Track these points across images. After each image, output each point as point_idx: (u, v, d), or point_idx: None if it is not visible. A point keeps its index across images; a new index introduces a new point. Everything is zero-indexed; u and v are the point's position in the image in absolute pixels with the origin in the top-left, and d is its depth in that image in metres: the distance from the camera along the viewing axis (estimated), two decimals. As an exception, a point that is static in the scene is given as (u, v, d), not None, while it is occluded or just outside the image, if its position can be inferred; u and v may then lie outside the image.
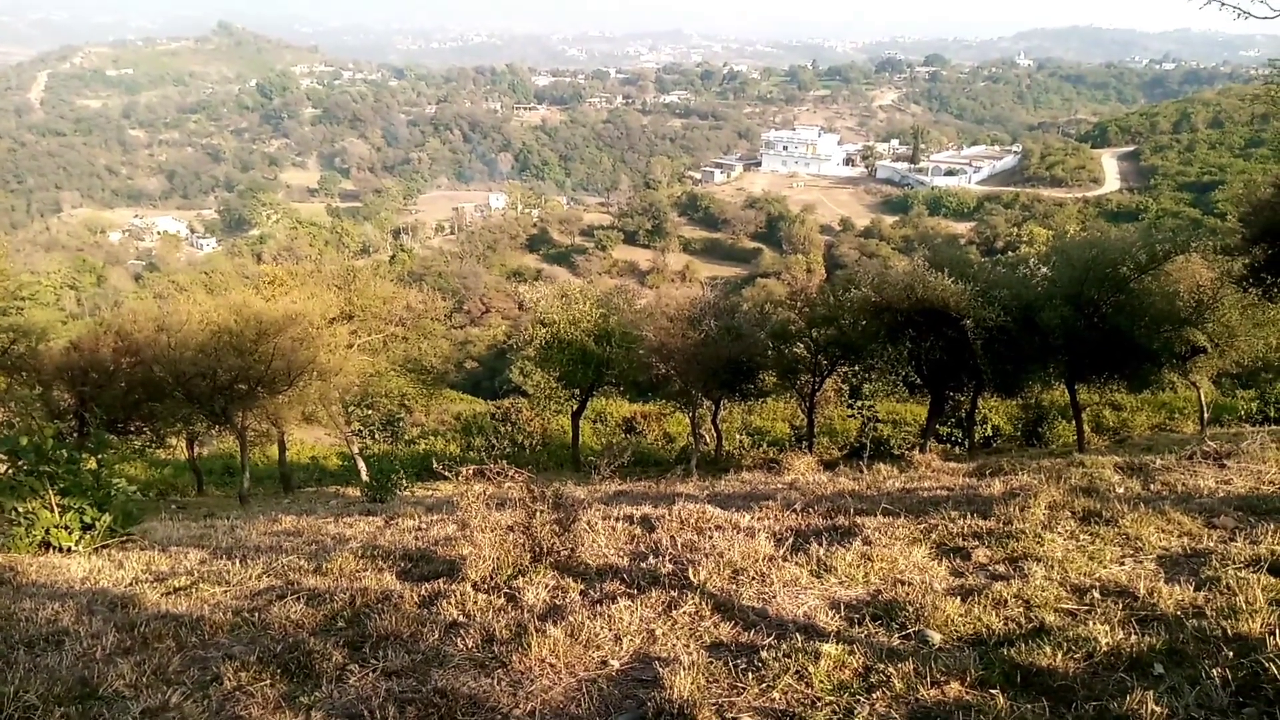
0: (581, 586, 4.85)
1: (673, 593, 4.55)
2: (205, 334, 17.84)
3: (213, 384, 17.57)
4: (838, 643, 3.72)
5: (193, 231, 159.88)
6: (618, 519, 6.90)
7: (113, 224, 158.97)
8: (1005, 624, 3.97)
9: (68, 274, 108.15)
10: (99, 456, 10.16)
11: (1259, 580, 4.12)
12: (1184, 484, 6.94)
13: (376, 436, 17.59)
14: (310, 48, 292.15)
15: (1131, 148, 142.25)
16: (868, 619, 4.13)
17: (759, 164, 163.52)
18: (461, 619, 4.54)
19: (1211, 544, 5.01)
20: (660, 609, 4.37)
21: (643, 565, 5.19)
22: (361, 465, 24.30)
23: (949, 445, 24.12)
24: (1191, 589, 4.20)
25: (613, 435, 34.47)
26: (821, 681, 3.47)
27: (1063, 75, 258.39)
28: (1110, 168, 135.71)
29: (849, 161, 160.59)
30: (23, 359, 17.12)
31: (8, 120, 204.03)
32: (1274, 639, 3.39)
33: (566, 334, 25.40)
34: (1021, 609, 4.15)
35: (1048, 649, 3.53)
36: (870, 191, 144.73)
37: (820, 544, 5.39)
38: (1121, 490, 6.67)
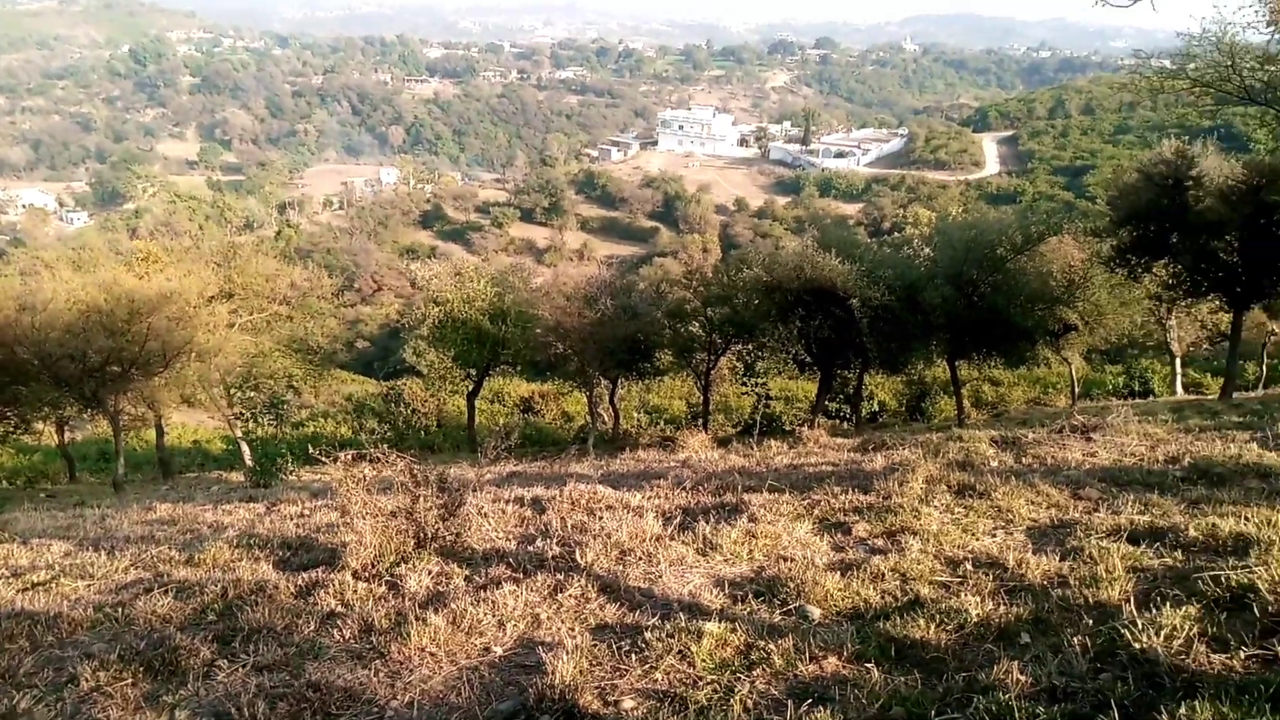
0: (466, 572, 4.76)
1: (559, 576, 4.52)
2: (73, 313, 16.82)
3: (82, 366, 16.61)
4: (720, 621, 3.75)
5: (61, 205, 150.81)
6: (508, 501, 6.84)
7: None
8: (882, 598, 4.08)
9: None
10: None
11: (1119, 549, 4.33)
12: (1053, 457, 7.27)
13: (260, 420, 16.93)
14: (187, 12, 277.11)
15: (1010, 132, 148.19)
16: (750, 596, 4.18)
17: (655, 143, 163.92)
18: (340, 609, 4.40)
19: (1077, 515, 5.26)
20: (546, 593, 4.33)
21: (530, 549, 5.14)
22: (245, 449, 23.42)
23: (838, 421, 24.73)
24: (1057, 559, 4.39)
25: (510, 415, 34.18)
26: (704, 661, 3.49)
27: (947, 60, 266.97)
28: (990, 151, 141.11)
29: (743, 142, 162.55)
30: None
31: None
32: (1130, 606, 3.57)
33: (461, 313, 24.96)
34: (898, 582, 4.27)
35: (921, 621, 3.64)
36: (764, 172, 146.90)
37: (707, 522, 5.44)
38: (995, 464, 6.95)
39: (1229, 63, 14.94)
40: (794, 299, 18.12)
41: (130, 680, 3.69)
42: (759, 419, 25.00)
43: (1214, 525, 4.51)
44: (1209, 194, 16.45)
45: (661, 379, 28.81)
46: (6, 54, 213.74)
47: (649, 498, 6.74)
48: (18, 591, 5.54)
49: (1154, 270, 19.04)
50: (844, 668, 3.37)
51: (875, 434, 13.65)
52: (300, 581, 4.86)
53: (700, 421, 24.87)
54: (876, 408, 28.18)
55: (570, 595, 4.27)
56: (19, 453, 26.29)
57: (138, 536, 7.82)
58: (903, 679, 3.21)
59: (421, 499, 5.14)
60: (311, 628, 4.14)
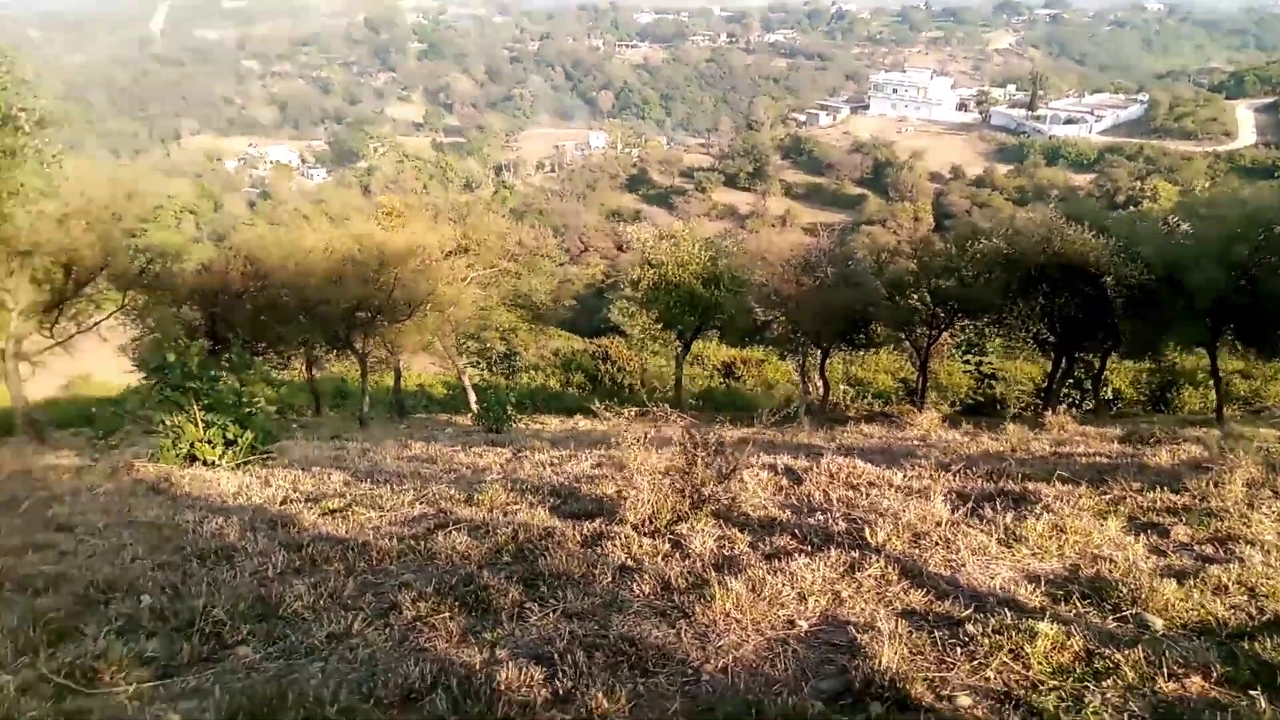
0: (749, 539, 4.67)
1: (853, 553, 4.33)
2: (330, 262, 18.19)
3: (336, 310, 17.95)
4: (1051, 622, 3.45)
5: (303, 162, 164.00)
6: (759, 468, 6.71)
7: (228, 152, 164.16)
8: (1233, 613, 3.63)
9: (188, 200, 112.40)
10: (240, 376, 10.45)
11: None
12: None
13: (495, 369, 17.76)
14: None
15: (1270, 99, 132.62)
16: (1075, 597, 3.84)
17: (866, 107, 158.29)
18: (629, 563, 4.42)
19: None
20: (842, 569, 4.16)
21: (811, 521, 4.99)
22: (472, 395, 24.68)
23: (1067, 407, 23.13)
24: None
25: (711, 379, 34.30)
26: (1040, 663, 3.22)
27: (1196, 20, 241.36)
28: (1246, 120, 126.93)
29: (962, 107, 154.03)
30: (159, 278, 17.75)
31: (131, 49, 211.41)
32: None
33: (674, 275, 25.10)
34: (1246, 597, 3.80)
35: (1300, 645, 3.20)
36: (984, 139, 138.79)
37: (996, 510, 5.09)
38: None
39: None
40: (1037, 274, 16.96)
41: (448, 613, 3.83)
42: (985, 399, 23.84)
43: None
44: None
45: (864, 352, 27.89)
46: (262, 22, 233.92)
47: (911, 477, 6.43)
48: (319, 516, 5.97)
49: None
50: (1213, 690, 3.00)
51: (1131, 424, 12.55)
52: (585, 531, 4.94)
53: (916, 398, 23.96)
54: (1110, 395, 26.13)
55: (869, 575, 4.08)
56: (268, 386, 28.92)
57: (407, 472, 8.27)
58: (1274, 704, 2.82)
59: (700, 460, 5.08)
60: (609, 579, 4.17)
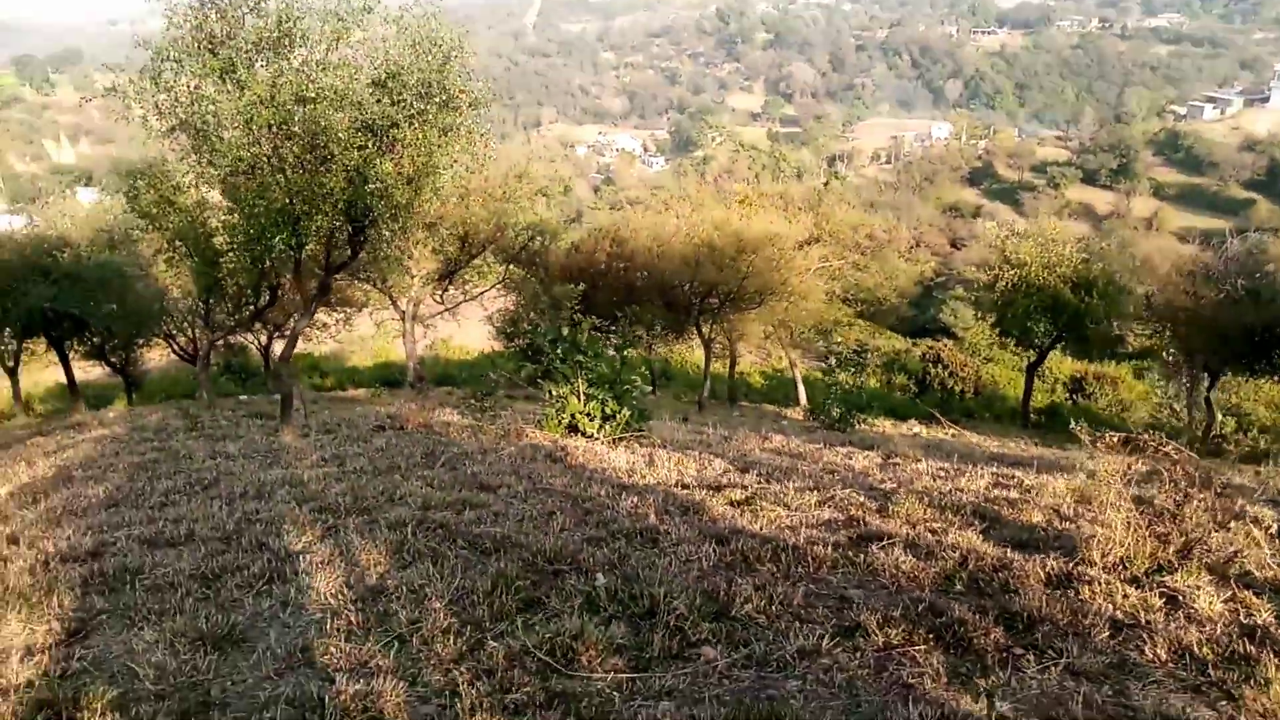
0: (1271, 605, 3.83)
1: None
2: (689, 247, 18.61)
3: (690, 293, 18.36)
4: None
5: (645, 150, 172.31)
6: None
7: (580, 139, 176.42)
8: None
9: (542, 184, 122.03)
10: (623, 355, 10.83)
11: None
12: None
13: (845, 365, 17.31)
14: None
15: None
16: None
17: (1266, 99, 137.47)
18: (1121, 617, 3.77)
19: None
20: None
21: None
22: (801, 389, 24.39)
23: None
24: None
25: (1053, 394, 31.35)
26: None
27: None
28: None
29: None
30: (536, 255, 19.16)
31: (506, 43, 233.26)
32: None
33: (1039, 277, 23.10)
34: None
35: None
36: None
37: None
38: None
39: None
40: None
41: (923, 646, 3.44)
42: None
43: None
44: None
45: (1270, 379, 23.96)
46: (623, 15, 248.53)
47: None
48: (725, 505, 5.84)
49: None
50: None
51: None
52: (1047, 569, 4.33)
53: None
54: None
55: None
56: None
57: (783, 467, 8.03)
58: None
59: (1196, 500, 4.28)
60: (1105, 634, 3.56)
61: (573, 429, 10.19)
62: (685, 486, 6.59)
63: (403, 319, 19.87)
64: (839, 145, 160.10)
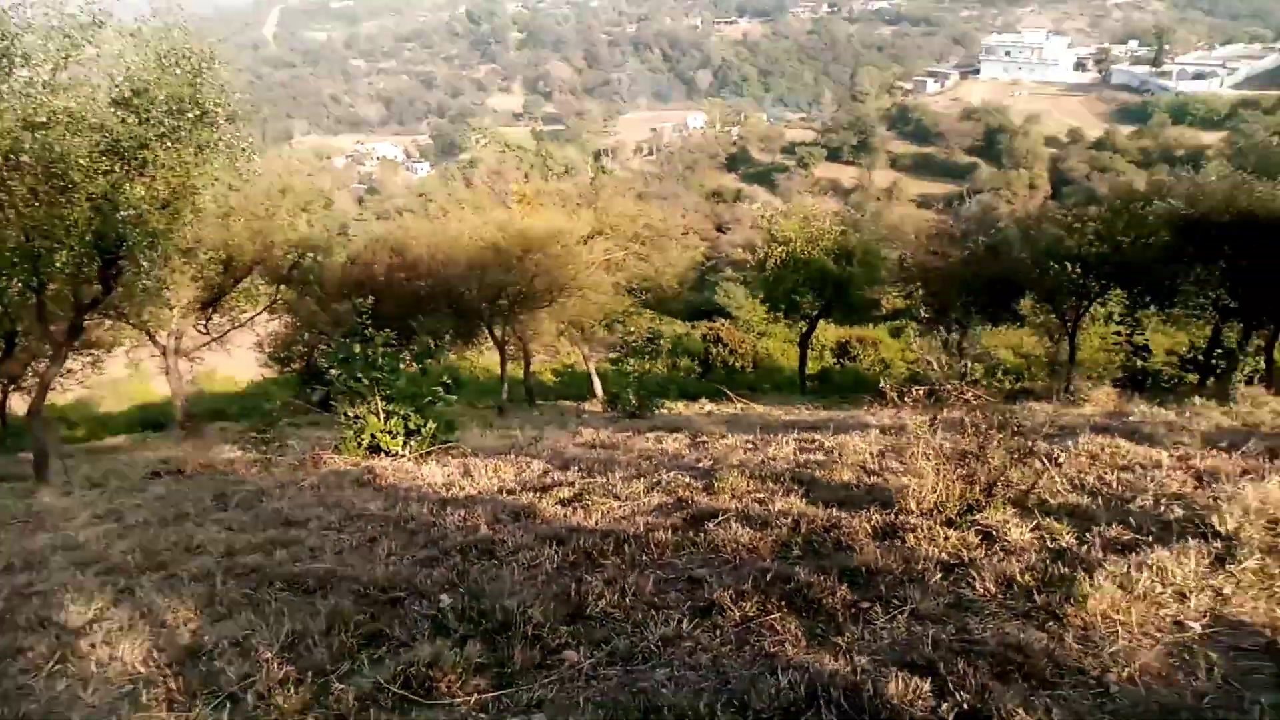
0: (1070, 529, 4.21)
1: (1213, 544, 3.84)
2: (473, 250, 18.27)
3: (479, 297, 18.04)
4: None
5: (408, 156, 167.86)
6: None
7: (336, 150, 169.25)
8: None
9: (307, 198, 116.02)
10: (422, 365, 10.45)
11: None
12: None
13: (640, 354, 17.59)
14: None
15: None
16: None
17: (977, 72, 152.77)
18: (947, 558, 4.02)
19: None
20: (1209, 562, 3.67)
21: (1133, 508, 4.50)
22: (597, 382, 24.64)
23: (1214, 377, 21.48)
24: None
25: (824, 360, 33.47)
26: None
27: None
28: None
29: (1080, 66, 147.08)
30: (310, 273, 18.17)
31: (245, 55, 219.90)
32: None
33: (804, 252, 24.47)
34: None
35: None
36: (1104, 99, 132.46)
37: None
38: None
39: None
40: (1220, 234, 15.77)
41: (777, 614, 3.51)
42: (1138, 372, 22.44)
43: None
44: None
45: (1010, 327, 26.65)
46: (368, 21, 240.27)
47: (1181, 458, 5.83)
48: (556, 505, 5.76)
49: None
50: None
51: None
52: (873, 523, 4.56)
53: (1060, 374, 22.77)
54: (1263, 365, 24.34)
55: (1246, 569, 3.58)
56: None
57: (601, 460, 8.04)
58: None
59: (996, 441, 4.64)
60: (938, 576, 3.78)
61: (375, 449, 9.75)
62: (510, 492, 6.45)
63: (164, 354, 18.30)
64: (603, 140, 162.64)
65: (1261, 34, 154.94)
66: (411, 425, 9.88)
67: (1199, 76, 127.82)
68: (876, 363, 33.05)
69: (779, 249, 24.73)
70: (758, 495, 5.50)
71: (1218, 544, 3.82)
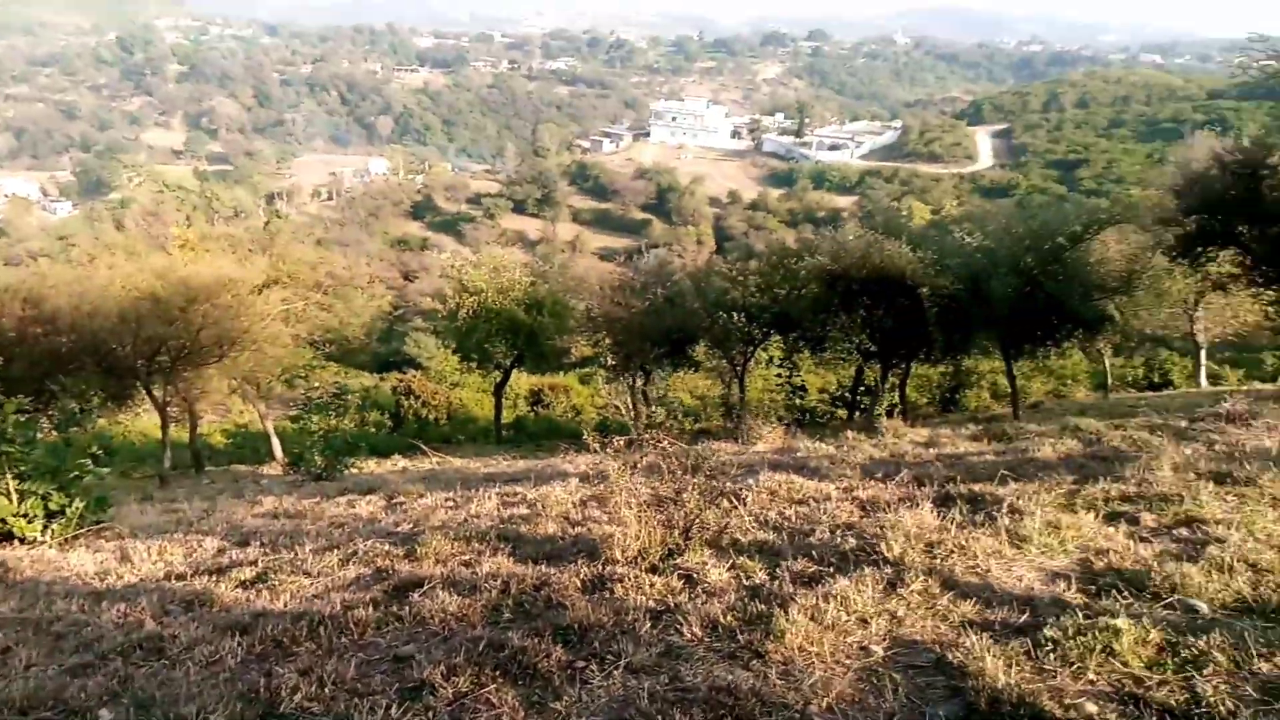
0: (763, 566, 4.46)
1: (884, 570, 4.22)
2: (126, 301, 16.34)
3: (135, 354, 16.13)
4: (1121, 617, 3.47)
5: (45, 194, 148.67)
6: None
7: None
8: (1255, 590, 3.81)
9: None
10: (66, 434, 9.10)
11: None
12: (1248, 443, 7.01)
13: (325, 412, 16.52)
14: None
15: (1004, 126, 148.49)
16: (1115, 591, 3.90)
17: (648, 134, 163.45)
18: (655, 605, 4.09)
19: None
20: (882, 588, 4.04)
21: (813, 541, 4.86)
22: (276, 443, 22.97)
23: (859, 412, 24.28)
24: None
25: (518, 409, 33.82)
26: (1135, 659, 3.22)
27: (938, 54, 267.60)
28: (984, 145, 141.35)
29: (736, 134, 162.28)
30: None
31: None
32: None
33: (495, 303, 24.58)
34: (1250, 572, 4.01)
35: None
36: (757, 164, 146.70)
37: (972, 513, 5.17)
38: (1213, 450, 6.69)
39: None
40: (859, 288, 17.88)
41: (492, 685, 3.36)
42: (800, 410, 24.76)
43: None
44: (1285, 183, 16.29)
45: (687, 372, 28.45)
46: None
47: (846, 489, 6.46)
48: (236, 589, 5.20)
49: (1218, 260, 18.92)
50: (1310, 668, 3.10)
51: (985, 427, 13.37)
52: (582, 577, 4.54)
53: (735, 414, 24.61)
54: (896, 398, 28.00)
55: (914, 591, 3.98)
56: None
57: (287, 530, 7.45)
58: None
59: (691, 486, 4.83)
60: (647, 626, 3.83)
61: (7, 537, 8.34)
62: (179, 577, 5.74)
63: None
64: (277, 183, 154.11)
65: (881, 113, 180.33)
66: (53, 505, 8.56)
67: (834, 147, 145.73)
68: (569, 409, 33.88)
69: (470, 299, 24.59)
70: (464, 557, 5.32)
71: (888, 569, 4.23)
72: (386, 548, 5.70)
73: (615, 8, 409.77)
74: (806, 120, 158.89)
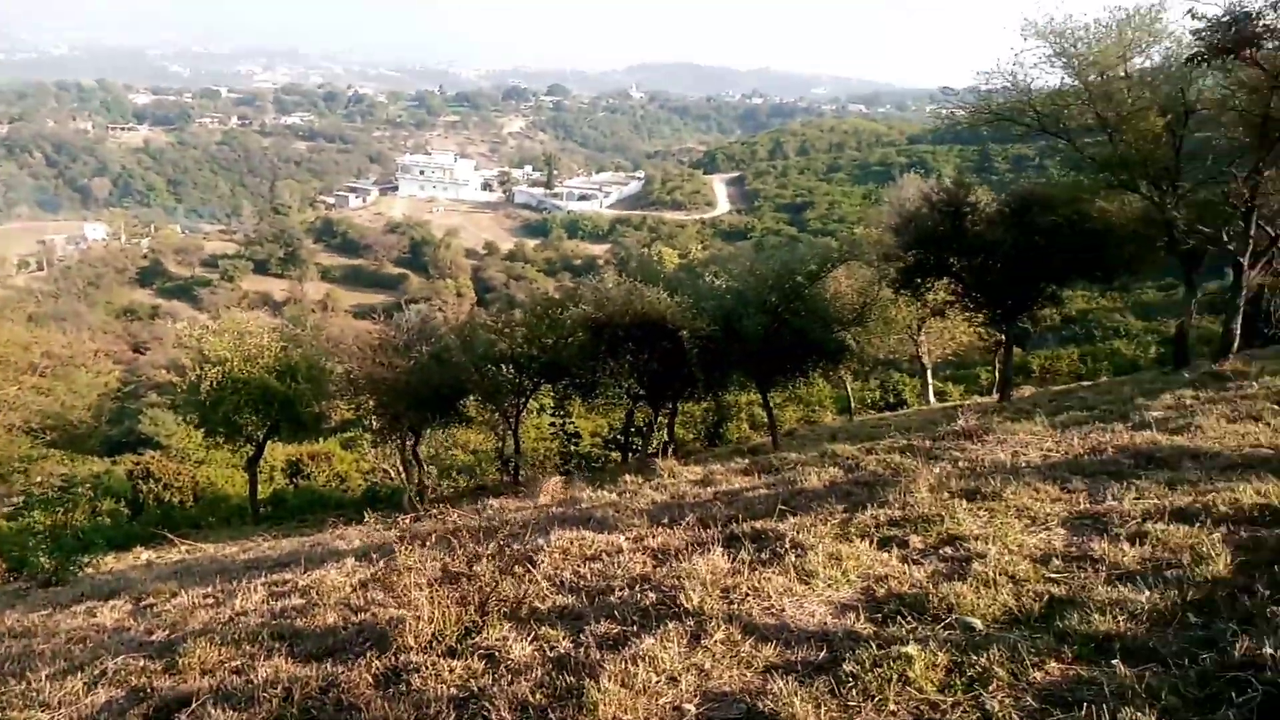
0: (566, 634, 4.34)
1: (686, 622, 4.23)
2: None
3: None
4: (909, 644, 3.67)
5: None
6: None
7: None
8: (1019, 600, 4.16)
9: None
10: None
11: (1181, 530, 4.74)
12: (987, 460, 7.74)
13: (53, 507, 14.61)
14: None
15: (737, 173, 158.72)
16: (899, 617, 4.12)
17: (396, 188, 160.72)
18: (457, 693, 3.86)
19: (1088, 505, 5.65)
20: (686, 642, 4.04)
21: (612, 600, 4.78)
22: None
23: (632, 454, 24.80)
24: (1133, 546, 4.70)
25: (275, 482, 31.78)
26: (929, 683, 3.40)
27: (671, 107, 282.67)
28: (721, 191, 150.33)
29: (487, 186, 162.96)
30: None
31: None
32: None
33: (243, 372, 23.08)
34: (1011, 584, 4.38)
35: (1095, 616, 3.76)
36: (510, 216, 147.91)
37: (759, 551, 5.33)
38: (958, 469, 7.31)
39: (1025, 100, 16.91)
40: (624, 334, 18.30)
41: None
42: (581, 457, 24.93)
43: (1236, 500, 5.03)
44: (982, 220, 18.50)
45: (461, 428, 27.88)
46: None
47: (636, 539, 6.49)
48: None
49: (935, 289, 21.08)
50: (1073, 669, 3.40)
51: (753, 460, 13.93)
52: (373, 671, 4.21)
53: (510, 467, 24.39)
54: (666, 437, 28.88)
55: (717, 640, 4.00)
56: None
57: (5, 655, 6.45)
58: (1132, 670, 3.28)
59: (483, 556, 4.64)
60: (453, 717, 3.60)
61: None
62: None
63: None
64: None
65: (625, 164, 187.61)
66: None
67: (584, 197, 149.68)
68: (333, 478, 32.21)
69: (214, 369, 22.89)
70: (234, 664, 4.81)
71: (690, 621, 4.26)
72: (141, 662, 5.06)
73: (351, 64, 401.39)
74: (555, 172, 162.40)
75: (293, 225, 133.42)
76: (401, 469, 25.04)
